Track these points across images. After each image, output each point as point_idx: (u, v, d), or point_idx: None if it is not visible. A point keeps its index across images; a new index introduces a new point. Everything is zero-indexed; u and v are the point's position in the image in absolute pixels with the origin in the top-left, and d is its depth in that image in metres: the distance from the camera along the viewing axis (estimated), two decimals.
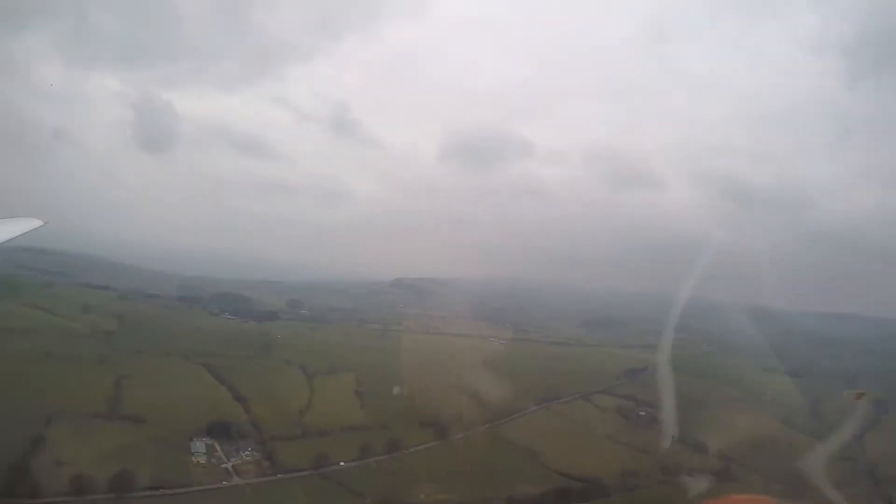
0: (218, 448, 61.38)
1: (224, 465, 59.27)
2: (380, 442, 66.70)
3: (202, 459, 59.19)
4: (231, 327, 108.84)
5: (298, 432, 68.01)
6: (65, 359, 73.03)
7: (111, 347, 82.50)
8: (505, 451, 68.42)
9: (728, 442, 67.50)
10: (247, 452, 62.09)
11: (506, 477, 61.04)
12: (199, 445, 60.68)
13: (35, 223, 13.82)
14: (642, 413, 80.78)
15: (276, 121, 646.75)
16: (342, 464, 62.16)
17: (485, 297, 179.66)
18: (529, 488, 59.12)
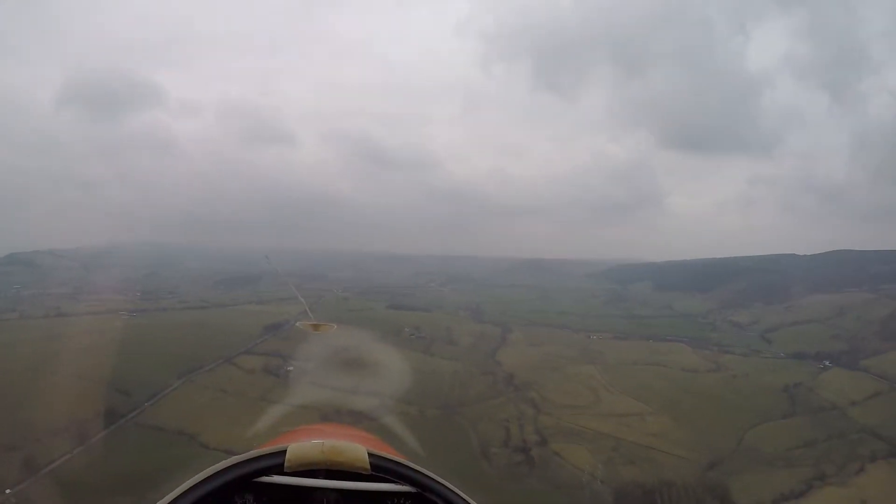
0: None
1: None
2: (9, 467, 56.29)
3: None
4: None
5: None
6: None
7: None
8: (157, 442, 64.83)
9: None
10: None
11: (165, 473, 59.05)
12: None
13: None
14: (290, 368, 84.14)
15: None
16: None
17: (112, 266, 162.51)
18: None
